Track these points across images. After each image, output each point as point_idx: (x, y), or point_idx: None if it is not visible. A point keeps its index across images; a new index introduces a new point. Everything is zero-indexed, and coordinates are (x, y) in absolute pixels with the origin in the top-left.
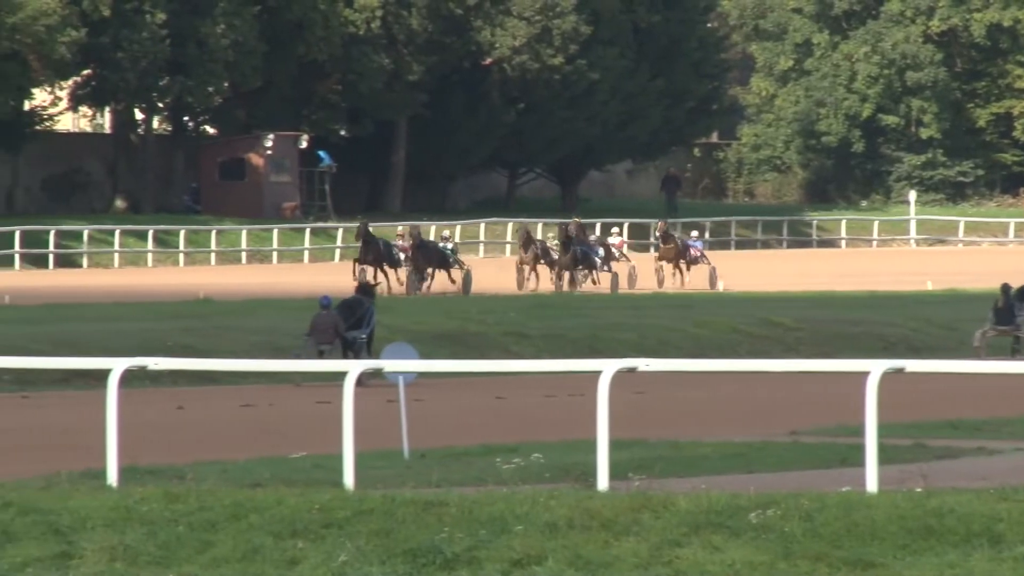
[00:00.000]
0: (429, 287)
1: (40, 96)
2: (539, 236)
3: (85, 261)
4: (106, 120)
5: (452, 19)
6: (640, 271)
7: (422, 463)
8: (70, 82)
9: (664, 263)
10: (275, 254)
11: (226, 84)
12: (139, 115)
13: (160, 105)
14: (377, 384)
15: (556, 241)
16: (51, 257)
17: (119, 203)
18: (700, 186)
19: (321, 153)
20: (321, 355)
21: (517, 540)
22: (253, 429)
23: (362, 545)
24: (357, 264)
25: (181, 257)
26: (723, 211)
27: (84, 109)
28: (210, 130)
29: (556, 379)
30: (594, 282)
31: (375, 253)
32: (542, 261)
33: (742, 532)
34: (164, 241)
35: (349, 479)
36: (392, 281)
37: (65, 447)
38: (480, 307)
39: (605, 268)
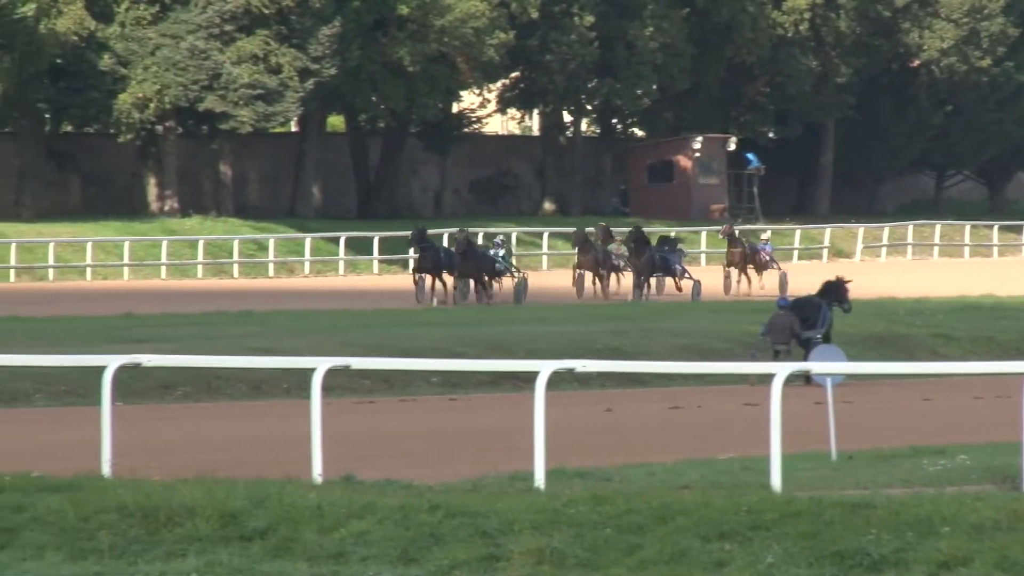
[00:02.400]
0: (491, 296)
1: (468, 99)
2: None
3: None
4: (534, 122)
5: (880, 21)
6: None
7: (849, 465)
8: (498, 84)
9: (732, 268)
10: (703, 256)
11: (654, 86)
12: (567, 117)
13: (588, 107)
14: (809, 385)
15: (618, 245)
16: None
17: (547, 205)
18: None
19: (749, 155)
20: (777, 355)
21: (944, 542)
22: (681, 431)
23: (789, 547)
24: (415, 273)
25: None
26: None
27: (512, 111)
28: (638, 132)
29: (984, 381)
30: (678, 288)
31: (433, 260)
32: (601, 268)
33: None
34: None
35: (776, 481)
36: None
37: (493, 449)
38: (908, 309)
39: (687, 276)
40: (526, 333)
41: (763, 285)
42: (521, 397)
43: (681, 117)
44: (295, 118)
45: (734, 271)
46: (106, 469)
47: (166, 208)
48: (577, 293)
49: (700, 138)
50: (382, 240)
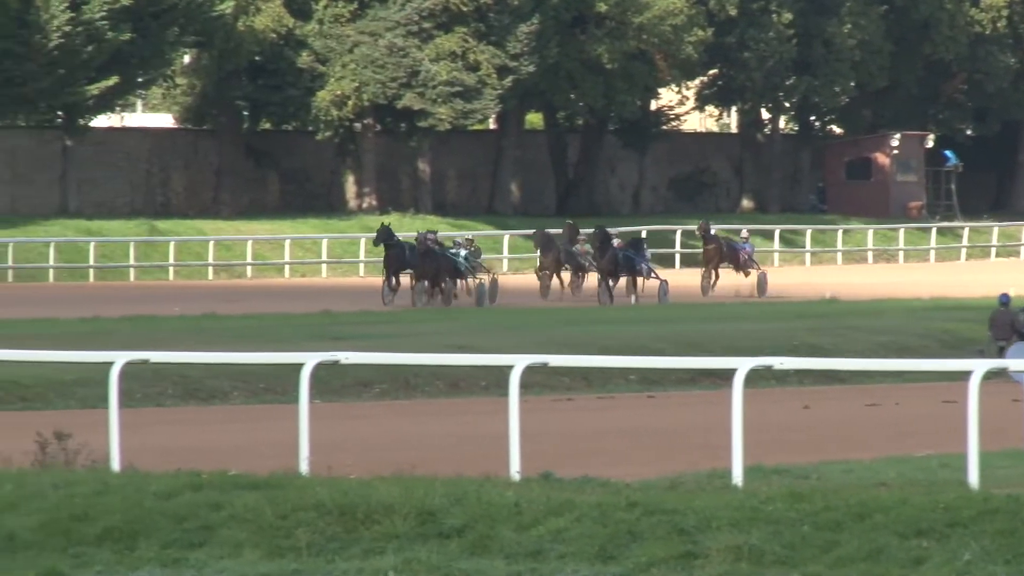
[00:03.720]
0: (449, 298)
1: (667, 96)
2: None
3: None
4: (732, 120)
5: None
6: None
7: None
8: (696, 82)
9: (709, 267)
10: (901, 254)
11: (852, 84)
12: (765, 115)
13: (786, 105)
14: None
15: (582, 244)
16: (677, 256)
17: (745, 203)
18: None
19: (947, 152)
20: (1001, 352)
21: None
22: (878, 428)
23: (986, 545)
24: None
25: (807, 256)
26: None
27: (710, 109)
28: (836, 130)
29: None
30: (632, 288)
31: (398, 259)
32: (565, 266)
33: None
34: (790, 240)
35: (973, 478)
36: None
37: (690, 447)
38: None
39: (652, 276)
40: (724, 331)
41: (737, 292)
42: (719, 394)
43: (879, 114)
44: (493, 115)
45: (710, 270)
46: (304, 467)
47: (364, 205)
48: (541, 294)
49: (898, 135)
50: None
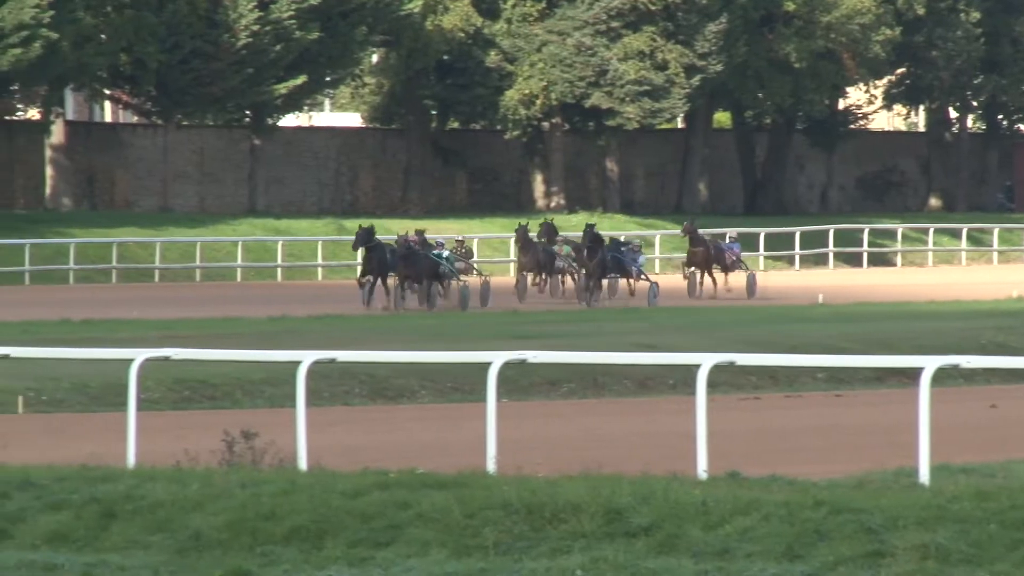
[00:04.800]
0: (433, 302)
1: (854, 95)
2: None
3: (899, 259)
4: (920, 118)
5: None
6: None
7: None
8: (884, 81)
9: (695, 269)
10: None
11: None
12: (952, 113)
13: (974, 104)
14: None
15: (564, 247)
16: (864, 255)
17: (933, 201)
18: None
19: None
20: None
21: None
22: None
23: None
24: (361, 276)
25: (994, 255)
26: None
27: (898, 108)
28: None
29: None
30: (631, 293)
31: (379, 263)
32: (543, 268)
33: None
34: (977, 239)
35: None
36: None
37: (877, 446)
38: None
39: (642, 277)
40: (911, 329)
41: (729, 288)
42: (906, 393)
43: None
44: (681, 114)
45: (697, 272)
46: (491, 465)
47: (552, 204)
48: (519, 296)
49: None
50: (768, 236)
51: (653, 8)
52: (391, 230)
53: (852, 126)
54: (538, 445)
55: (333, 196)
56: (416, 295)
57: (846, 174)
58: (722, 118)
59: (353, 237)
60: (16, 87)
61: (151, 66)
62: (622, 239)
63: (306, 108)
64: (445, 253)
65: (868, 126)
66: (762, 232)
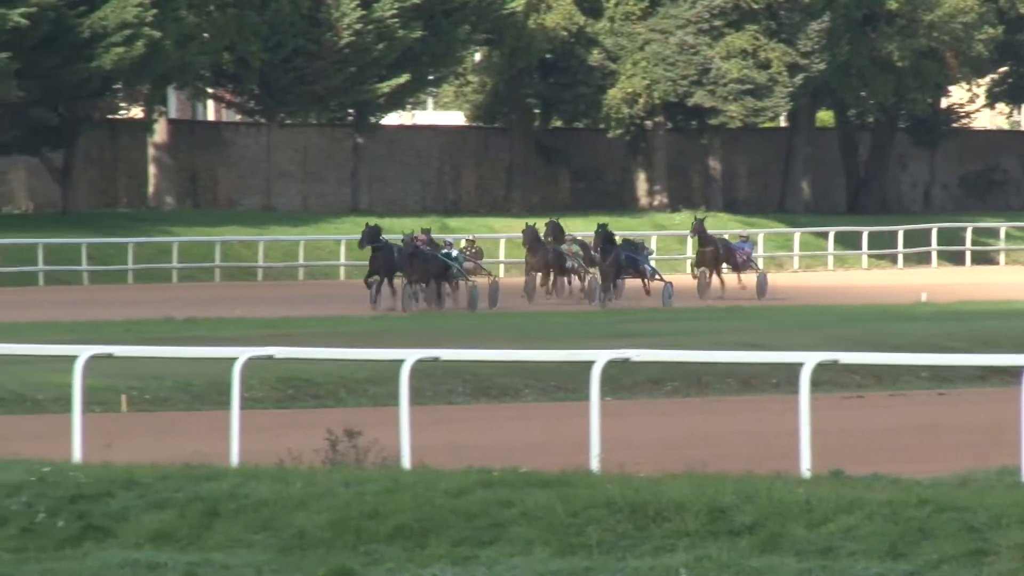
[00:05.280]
0: (442, 302)
1: (957, 94)
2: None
3: (1002, 258)
4: (1022, 117)
5: None
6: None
7: None
8: (986, 79)
9: (704, 269)
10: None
11: None
12: None
13: None
14: None
15: (573, 246)
16: (967, 254)
17: None
18: None
19: None
20: None
21: None
22: None
23: None
24: (368, 276)
25: None
26: None
27: (1000, 106)
28: None
29: None
30: (647, 292)
31: (386, 262)
32: (552, 269)
33: None
34: None
35: None
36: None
37: (981, 444)
38: None
39: (657, 277)
40: (1015, 327)
41: (744, 286)
42: (1010, 392)
43: None
44: (784, 113)
45: (706, 272)
46: (594, 464)
47: (655, 203)
48: (528, 297)
49: None
50: (871, 235)
51: (756, 7)
52: (495, 229)
53: (955, 125)
54: (641, 444)
55: (436, 195)
56: (424, 295)
57: (949, 173)
58: (825, 117)
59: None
60: (119, 86)
61: (254, 65)
62: (632, 239)
63: (409, 107)
64: (454, 253)
65: (970, 125)
66: (865, 231)
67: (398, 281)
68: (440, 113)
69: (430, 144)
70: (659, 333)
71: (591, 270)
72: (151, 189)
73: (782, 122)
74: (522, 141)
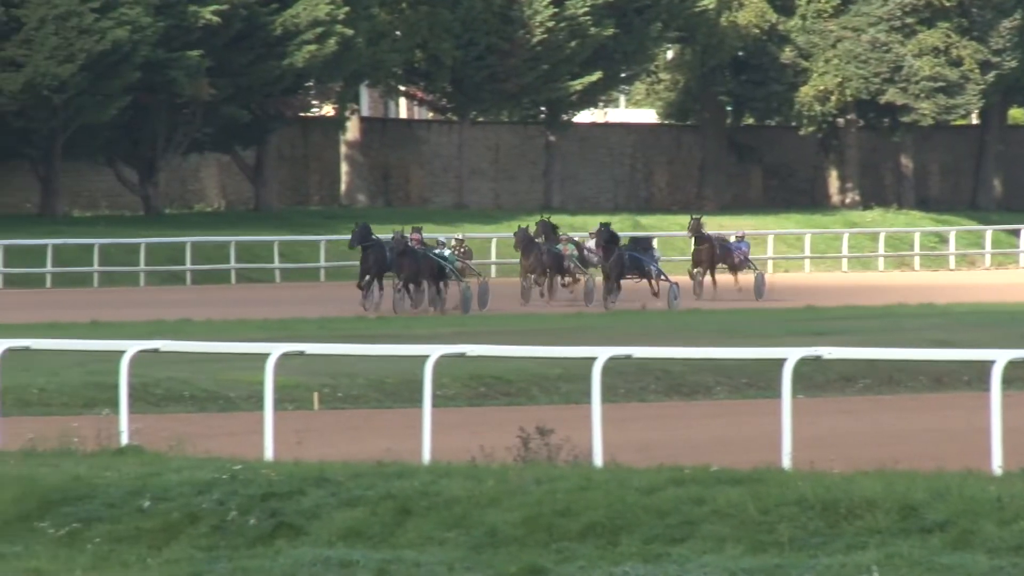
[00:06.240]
0: (438, 303)
1: None
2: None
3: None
4: None
5: None
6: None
7: None
8: None
9: (699, 268)
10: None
11: None
12: None
13: None
14: None
15: (568, 246)
16: None
17: None
18: None
19: None
20: None
21: None
22: None
23: None
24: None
25: None
26: None
27: None
28: None
29: None
30: (654, 293)
31: (377, 261)
32: (548, 269)
33: None
34: None
35: None
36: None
37: None
38: None
39: (663, 278)
40: None
41: (740, 287)
42: None
43: None
44: (975, 111)
45: (702, 271)
46: (786, 461)
47: (847, 201)
48: (523, 298)
49: None
50: None
51: (948, 4)
52: (686, 227)
53: None
54: (833, 441)
55: (628, 193)
56: (415, 296)
57: None
58: (1017, 114)
59: (643, 234)
60: (311, 83)
61: (446, 62)
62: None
63: (601, 104)
64: (447, 252)
65: None
66: None
67: (389, 281)
68: (632, 111)
69: (622, 142)
70: (853, 331)
71: (588, 271)
72: (343, 187)
73: (974, 119)
74: (714, 139)
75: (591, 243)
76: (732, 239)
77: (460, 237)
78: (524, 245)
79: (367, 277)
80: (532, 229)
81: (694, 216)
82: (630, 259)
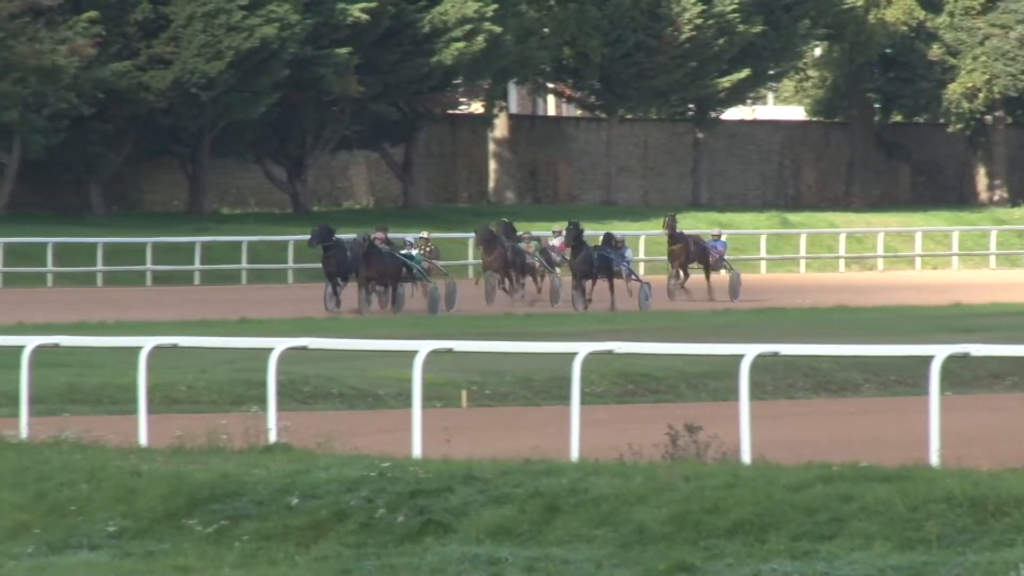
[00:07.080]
0: (398, 302)
1: None
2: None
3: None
4: None
5: None
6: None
7: None
8: None
9: (675, 267)
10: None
11: None
12: None
13: None
14: None
15: (531, 244)
16: None
17: None
18: None
19: None
20: None
21: None
22: None
23: None
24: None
25: None
26: None
27: None
28: None
29: None
30: (629, 293)
31: (338, 262)
32: (511, 268)
33: None
34: None
35: None
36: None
37: None
38: None
39: (633, 278)
40: None
41: (711, 290)
42: None
43: None
44: None
45: (676, 270)
46: (934, 459)
47: (995, 198)
48: (487, 298)
49: None
50: None
51: None
52: (835, 224)
53: None
54: (981, 438)
55: (776, 189)
56: (379, 296)
57: None
58: None
59: (791, 231)
60: (460, 80)
61: (594, 60)
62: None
63: (749, 101)
64: (414, 252)
65: None
66: None
67: (353, 282)
68: (780, 107)
69: (770, 138)
70: (1002, 327)
71: (554, 271)
72: (491, 184)
73: None
74: (862, 136)
75: (555, 241)
76: (709, 238)
77: (426, 236)
78: (486, 242)
79: (329, 277)
80: (493, 228)
81: (668, 213)
82: (599, 258)
